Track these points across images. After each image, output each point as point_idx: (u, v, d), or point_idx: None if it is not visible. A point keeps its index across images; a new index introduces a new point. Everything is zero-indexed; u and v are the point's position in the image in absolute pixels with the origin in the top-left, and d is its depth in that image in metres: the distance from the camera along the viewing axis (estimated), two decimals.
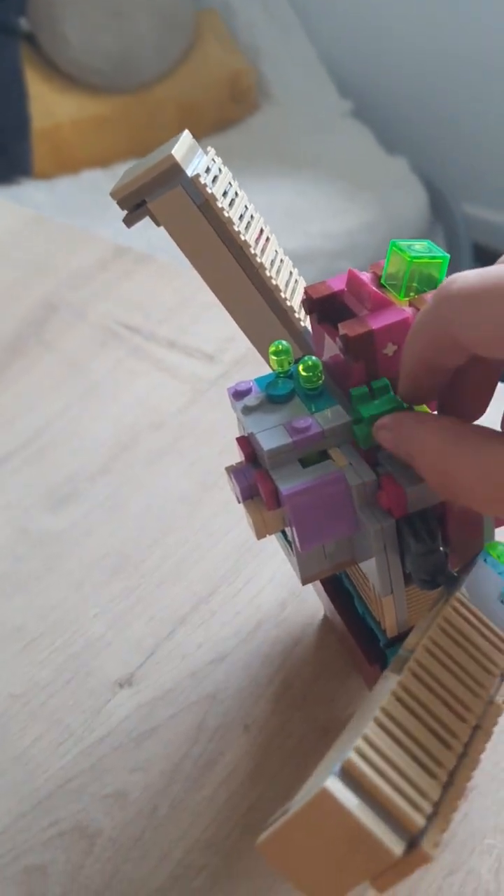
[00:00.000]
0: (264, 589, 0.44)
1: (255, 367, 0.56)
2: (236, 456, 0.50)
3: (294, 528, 0.30)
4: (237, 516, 0.47)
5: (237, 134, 1.90)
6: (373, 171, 1.74)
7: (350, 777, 0.23)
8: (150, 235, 0.45)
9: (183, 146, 0.35)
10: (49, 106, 1.80)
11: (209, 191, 0.34)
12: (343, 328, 0.30)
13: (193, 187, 0.34)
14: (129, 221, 0.36)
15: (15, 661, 0.42)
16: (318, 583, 0.39)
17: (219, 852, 0.35)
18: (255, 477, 0.31)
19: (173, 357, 0.57)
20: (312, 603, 0.43)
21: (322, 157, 1.73)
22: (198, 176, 0.34)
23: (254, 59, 1.88)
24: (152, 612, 0.44)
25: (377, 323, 0.30)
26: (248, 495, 0.32)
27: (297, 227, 1.61)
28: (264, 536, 0.32)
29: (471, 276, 0.28)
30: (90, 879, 0.35)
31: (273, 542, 0.46)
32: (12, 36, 1.76)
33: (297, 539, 0.30)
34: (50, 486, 0.50)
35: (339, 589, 0.36)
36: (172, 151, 0.34)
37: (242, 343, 0.57)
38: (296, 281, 0.38)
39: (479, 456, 0.27)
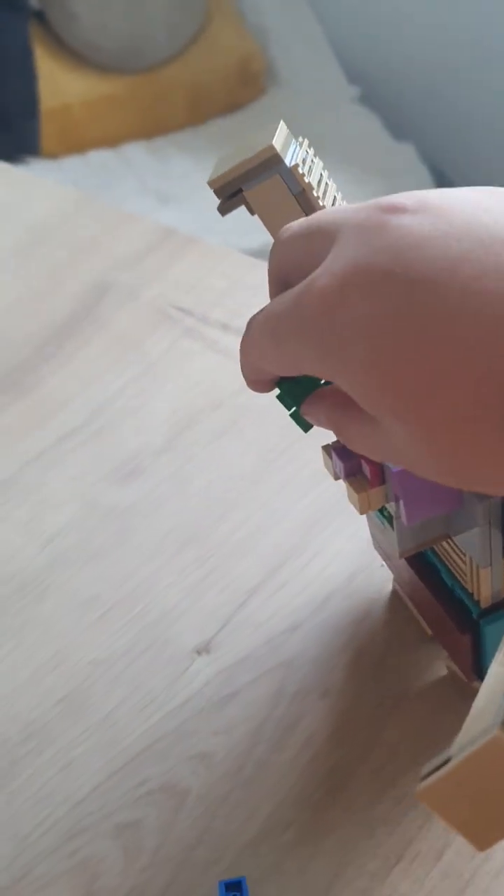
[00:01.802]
0: (332, 563, 0.46)
1: None
2: (295, 436, 0.52)
3: (402, 503, 0.31)
4: (300, 493, 0.49)
5: (245, 117, 1.90)
6: (380, 157, 1.75)
7: None
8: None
9: (280, 136, 0.37)
10: (58, 85, 1.80)
11: (306, 180, 0.36)
12: None
13: (291, 176, 0.36)
14: (224, 210, 0.38)
15: (93, 629, 0.44)
16: (391, 559, 0.41)
17: (305, 809, 0.37)
18: (358, 457, 0.33)
19: (227, 339, 0.58)
20: (380, 577, 0.45)
21: (329, 143, 1.74)
22: (296, 166, 0.36)
23: (263, 43, 1.88)
24: (224, 582, 0.45)
25: None
26: (352, 472, 0.33)
27: None
28: (367, 512, 0.34)
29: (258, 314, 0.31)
30: (182, 835, 0.37)
31: (338, 518, 0.48)
32: (21, 13, 1.75)
33: (404, 513, 0.32)
34: (115, 462, 0.52)
35: (423, 563, 0.38)
36: (273, 142, 0.36)
37: None
38: None
39: (363, 433, 0.29)
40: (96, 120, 1.81)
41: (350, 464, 0.33)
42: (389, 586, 0.44)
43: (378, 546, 0.43)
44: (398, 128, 1.79)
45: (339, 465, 0.33)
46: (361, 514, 0.34)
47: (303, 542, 0.47)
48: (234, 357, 0.57)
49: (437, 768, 0.24)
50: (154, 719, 0.40)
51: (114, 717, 0.41)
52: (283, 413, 0.55)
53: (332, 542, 0.47)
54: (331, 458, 0.34)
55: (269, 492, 0.49)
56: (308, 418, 0.34)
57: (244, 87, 1.90)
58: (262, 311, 0.31)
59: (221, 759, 0.39)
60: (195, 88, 1.87)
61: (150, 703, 0.41)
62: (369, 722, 0.40)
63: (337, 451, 0.34)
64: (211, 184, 0.37)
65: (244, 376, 0.34)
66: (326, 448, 0.35)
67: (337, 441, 0.35)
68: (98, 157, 1.77)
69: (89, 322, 0.61)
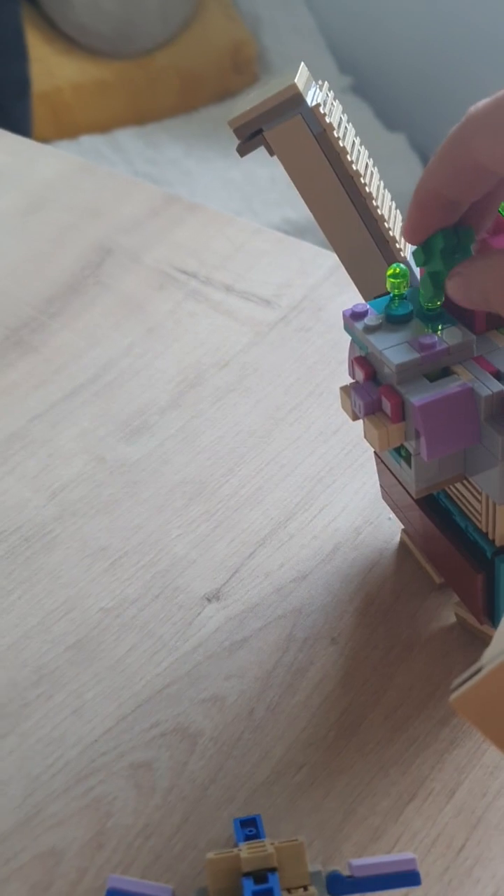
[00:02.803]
0: (339, 516, 0.46)
1: (313, 313, 0.58)
2: (301, 395, 0.53)
3: (423, 438, 0.32)
4: (308, 450, 0.49)
5: (238, 104, 1.90)
6: (372, 146, 1.74)
7: None
8: None
9: (302, 77, 0.37)
10: (49, 68, 1.79)
11: (328, 120, 0.36)
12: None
13: (313, 117, 0.36)
14: (243, 151, 0.38)
15: (103, 578, 0.44)
16: (400, 507, 0.42)
17: (317, 751, 0.37)
18: (379, 392, 0.33)
19: (231, 301, 0.58)
20: (387, 530, 0.45)
21: None
22: (318, 105, 0.36)
23: (255, 31, 1.88)
24: (232, 534, 0.45)
25: (499, 244, 0.32)
26: (371, 410, 0.33)
27: (298, 198, 1.62)
28: (386, 448, 0.34)
29: (487, 100, 0.31)
30: (195, 775, 0.37)
31: (345, 474, 0.48)
32: None
33: (425, 448, 0.32)
34: (122, 418, 0.51)
35: (434, 506, 0.38)
36: (295, 80, 0.36)
37: (299, 289, 0.59)
38: (397, 213, 0.40)
39: None
40: (87, 104, 1.81)
41: (370, 401, 0.33)
42: (397, 538, 0.45)
43: (387, 497, 0.43)
44: (390, 118, 1.79)
45: (359, 402, 0.33)
46: (380, 450, 0.34)
47: (310, 497, 0.47)
48: (238, 318, 0.58)
49: (469, 678, 0.24)
50: (165, 664, 0.40)
51: (125, 662, 0.41)
52: (290, 371, 0.55)
53: (339, 497, 0.47)
54: (350, 397, 0.34)
55: (276, 448, 0.50)
56: (458, 278, 0.32)
57: (236, 74, 1.90)
58: None
59: (233, 703, 0.39)
60: (187, 74, 1.86)
61: (161, 649, 0.41)
62: (379, 667, 0.40)
63: (357, 390, 0.34)
64: (231, 123, 0.37)
65: (419, 190, 0.33)
66: (345, 388, 0.35)
67: (355, 381, 0.35)
68: (90, 142, 1.76)
69: (93, 283, 0.60)
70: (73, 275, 0.61)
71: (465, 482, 0.36)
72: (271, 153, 0.37)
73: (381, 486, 0.43)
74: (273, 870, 0.29)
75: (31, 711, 0.39)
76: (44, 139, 1.83)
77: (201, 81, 1.87)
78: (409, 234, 0.33)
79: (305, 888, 0.29)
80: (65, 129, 1.78)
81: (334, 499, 0.47)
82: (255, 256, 0.62)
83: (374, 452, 0.41)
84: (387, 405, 0.33)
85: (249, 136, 0.37)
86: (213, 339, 0.56)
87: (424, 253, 0.33)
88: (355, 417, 0.35)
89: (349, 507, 0.46)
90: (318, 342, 0.55)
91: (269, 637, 0.41)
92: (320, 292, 0.58)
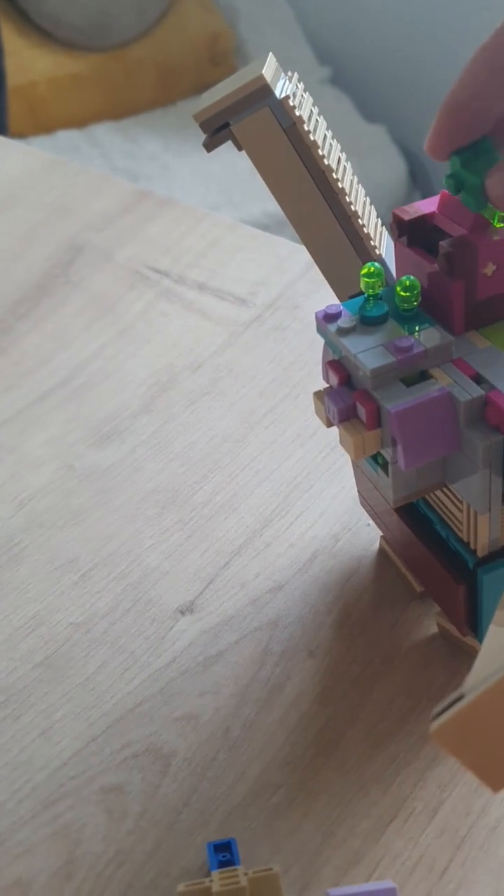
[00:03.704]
0: (316, 523, 0.44)
1: (289, 311, 0.56)
2: (277, 398, 0.51)
3: (401, 446, 0.30)
4: (283, 455, 0.48)
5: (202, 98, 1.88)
6: (352, 138, 1.74)
7: None
8: None
9: (270, 67, 0.35)
10: (24, 62, 1.77)
11: (297, 113, 0.34)
12: (446, 246, 0.31)
13: (282, 109, 0.34)
14: (209, 146, 0.36)
15: (72, 591, 0.42)
16: (380, 514, 0.40)
17: (295, 770, 0.36)
18: (353, 398, 0.32)
19: (205, 300, 0.57)
20: (365, 536, 0.44)
21: None
22: (287, 98, 0.34)
23: (232, 22, 1.86)
24: (206, 544, 0.44)
25: (480, 242, 0.31)
26: (346, 417, 0.32)
27: None
28: (362, 457, 0.32)
29: None
30: (168, 798, 0.35)
31: (322, 479, 0.46)
32: None
33: (402, 456, 0.30)
34: (92, 423, 0.50)
35: (414, 515, 0.37)
36: (262, 72, 0.34)
37: (274, 286, 0.58)
38: (371, 209, 0.38)
39: None
40: (63, 98, 1.78)
41: (344, 407, 0.32)
42: (376, 545, 0.43)
43: (365, 503, 0.42)
44: (369, 109, 1.78)
45: (333, 409, 0.32)
46: (356, 458, 0.33)
47: (286, 503, 0.46)
48: (212, 317, 0.56)
49: (449, 706, 0.23)
50: (137, 681, 0.39)
51: (95, 679, 0.39)
52: (265, 373, 0.54)
53: (316, 503, 0.45)
54: (323, 403, 0.33)
55: (251, 453, 0.48)
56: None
57: (214, 66, 1.87)
58: None
59: (207, 721, 0.37)
60: (164, 67, 1.84)
61: (132, 665, 0.39)
62: (359, 681, 0.38)
63: (330, 395, 0.32)
64: (196, 117, 0.35)
65: (447, 102, 0.31)
66: (318, 393, 0.34)
67: (329, 386, 0.34)
68: (66, 137, 1.74)
69: (63, 283, 0.59)
70: (42, 274, 0.60)
71: (445, 490, 0.34)
72: (239, 148, 0.36)
73: (358, 491, 0.42)
74: None
75: None
76: (19, 135, 1.81)
77: (178, 74, 1.85)
78: (433, 149, 0.31)
79: None
80: (40, 124, 1.76)
81: (311, 505, 0.45)
82: (230, 253, 0.60)
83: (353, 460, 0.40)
84: (362, 411, 0.31)
85: (216, 131, 0.35)
86: (186, 340, 0.54)
87: (455, 179, 0.31)
88: (329, 424, 0.33)
89: (327, 513, 0.45)
90: (294, 342, 0.54)
91: (244, 651, 0.40)
92: (296, 289, 0.57)
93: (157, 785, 0.36)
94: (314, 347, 0.53)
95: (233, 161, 1.75)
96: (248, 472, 0.47)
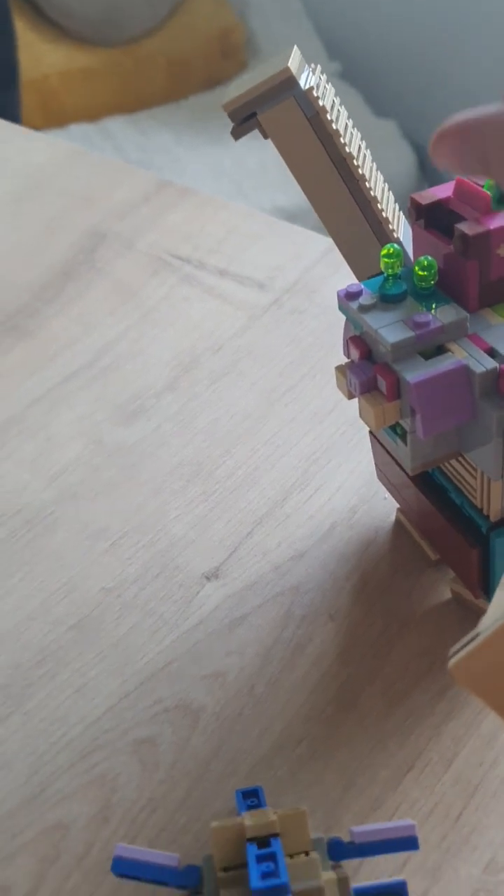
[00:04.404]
0: (334, 496, 0.46)
1: (306, 295, 0.58)
2: (296, 377, 0.53)
3: (419, 415, 0.32)
4: (302, 431, 0.50)
5: (230, 89, 1.90)
6: (362, 132, 1.75)
7: None
8: None
9: (295, 60, 0.37)
10: (37, 55, 1.78)
11: (321, 103, 0.36)
12: (461, 228, 0.33)
13: (306, 99, 0.36)
14: (237, 134, 0.38)
15: (103, 558, 0.44)
16: (395, 485, 0.42)
17: (317, 724, 0.38)
18: (374, 371, 0.34)
19: (225, 285, 0.59)
20: (382, 509, 0.46)
21: None
22: (311, 88, 0.36)
23: (243, 16, 1.87)
24: (230, 514, 0.46)
25: (493, 224, 0.33)
26: (366, 389, 0.34)
27: (288, 185, 1.62)
28: (382, 427, 0.34)
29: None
30: (198, 750, 0.38)
31: (340, 454, 0.48)
32: None
33: (420, 425, 0.32)
34: (118, 402, 0.52)
35: (430, 485, 0.39)
36: (288, 64, 0.36)
37: (292, 272, 0.60)
38: (389, 194, 0.40)
39: None
40: (75, 92, 1.80)
41: (365, 380, 0.34)
42: (392, 517, 0.45)
43: (383, 477, 0.44)
44: (379, 104, 1.79)
45: (355, 381, 0.34)
46: (377, 428, 0.35)
47: (305, 477, 0.48)
48: (232, 301, 0.58)
49: (467, 644, 0.25)
50: (167, 642, 0.41)
51: (126, 640, 0.41)
52: (285, 354, 0.56)
53: (334, 477, 0.47)
54: (345, 376, 0.35)
55: (271, 430, 0.50)
56: (450, 139, 0.28)
57: (224, 60, 1.89)
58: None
59: (234, 679, 0.40)
60: (175, 61, 1.86)
61: (162, 627, 0.41)
62: (377, 643, 0.40)
63: (352, 369, 0.34)
64: (225, 107, 0.37)
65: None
66: (340, 367, 0.36)
67: (350, 361, 0.36)
68: (79, 130, 1.76)
69: (87, 269, 0.61)
70: (66, 261, 0.62)
71: (460, 459, 0.36)
72: (265, 136, 0.38)
73: (376, 465, 0.44)
74: (276, 835, 0.29)
75: (34, 691, 0.40)
76: (32, 128, 1.82)
77: (190, 68, 1.87)
78: (438, 163, 0.28)
79: (307, 854, 0.30)
80: (53, 117, 1.78)
81: (330, 478, 0.47)
82: (248, 240, 0.62)
83: (370, 432, 0.42)
84: (382, 383, 0.33)
85: (243, 120, 0.37)
86: (208, 323, 0.56)
87: None
88: (350, 396, 0.35)
89: (345, 486, 0.47)
90: (311, 324, 0.56)
91: (267, 614, 0.42)
92: (313, 274, 0.59)
93: (186, 738, 0.38)
94: (331, 330, 0.55)
95: (243, 154, 1.77)
96: (268, 448, 0.49)
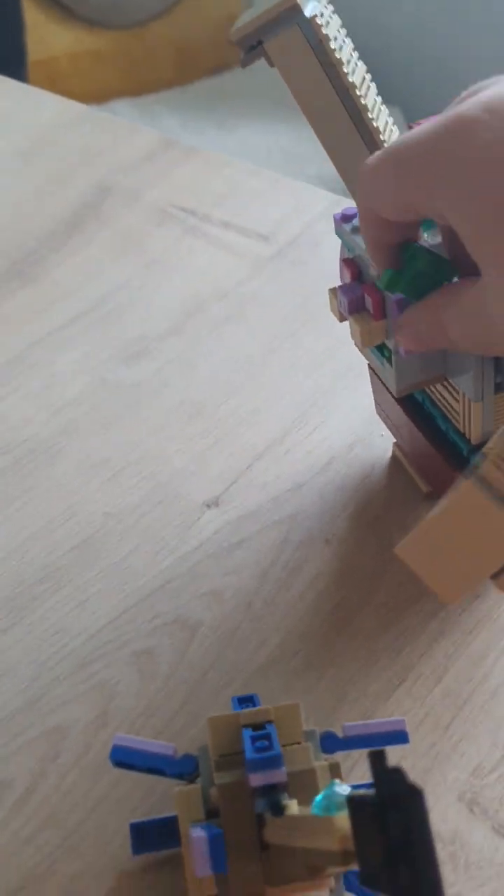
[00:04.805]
0: (332, 434, 0.47)
1: (309, 248, 0.59)
2: (297, 324, 0.54)
3: None
4: (302, 375, 0.51)
5: (234, 77, 1.91)
6: None
7: (485, 482, 0.27)
8: None
9: None
10: (45, 37, 1.79)
11: (324, 32, 0.37)
12: None
13: (310, 27, 0.37)
14: (244, 62, 0.39)
15: (105, 487, 0.45)
16: (393, 420, 0.43)
17: (312, 640, 0.39)
18: (362, 291, 0.35)
19: (229, 236, 0.60)
20: (379, 445, 0.47)
21: None
22: (315, 17, 0.37)
23: (251, 3, 1.88)
24: (230, 450, 0.47)
25: None
26: (355, 309, 0.35)
27: (295, 169, 1.63)
28: (369, 345, 0.36)
29: (377, 153, 0.32)
30: (195, 662, 0.39)
31: (338, 396, 0.49)
32: None
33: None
34: (122, 343, 0.53)
35: (419, 413, 0.40)
36: None
37: (295, 225, 0.60)
38: (393, 128, 0.41)
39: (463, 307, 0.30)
40: (82, 74, 1.81)
41: (354, 298, 0.35)
42: (388, 454, 0.46)
43: (381, 411, 0.45)
44: (384, 91, 1.79)
45: (344, 301, 0.35)
46: (363, 346, 0.36)
47: (304, 417, 0.49)
48: (236, 252, 0.59)
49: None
50: (166, 563, 0.42)
51: (127, 561, 0.42)
52: (286, 302, 0.57)
53: (332, 417, 0.48)
54: (336, 297, 0.36)
55: (272, 373, 0.51)
56: (406, 324, 0.33)
57: (231, 46, 1.90)
58: (379, 152, 0.33)
59: (231, 597, 0.41)
60: (182, 47, 1.87)
61: (162, 549, 0.42)
62: (371, 566, 0.41)
63: (342, 289, 0.35)
64: (232, 35, 0.38)
65: (367, 241, 0.33)
66: (333, 290, 0.37)
67: (342, 283, 0.37)
68: None
69: (93, 220, 0.62)
70: (73, 212, 0.63)
71: (446, 384, 0.37)
72: (271, 64, 0.38)
73: (375, 401, 0.45)
74: (270, 722, 0.30)
75: (37, 605, 0.41)
76: None
77: (196, 54, 1.88)
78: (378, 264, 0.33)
79: (299, 743, 0.31)
80: None
81: (328, 419, 0.48)
82: (253, 195, 0.63)
83: (370, 368, 0.43)
84: (369, 302, 0.34)
85: (250, 48, 0.38)
86: (212, 271, 0.57)
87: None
88: (341, 318, 0.36)
89: (342, 426, 0.48)
90: (313, 275, 0.57)
91: (265, 539, 0.43)
92: (316, 228, 0.60)
93: (184, 650, 0.39)
94: (333, 280, 0.56)
95: (245, 137, 1.78)
96: (268, 390, 0.50)
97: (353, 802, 0.22)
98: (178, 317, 0.55)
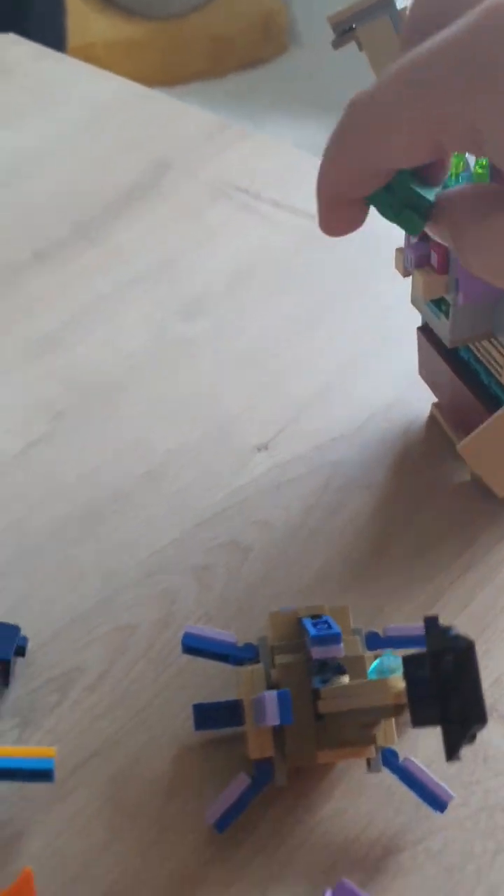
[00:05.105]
0: (372, 393, 0.52)
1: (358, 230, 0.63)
2: (346, 293, 0.58)
3: (460, 285, 0.38)
4: (347, 338, 0.55)
5: (266, 73, 1.96)
6: None
7: None
8: None
9: None
10: (84, 23, 1.84)
11: None
12: None
13: (399, 19, 0.42)
14: (337, 44, 0.44)
15: (166, 426, 0.50)
16: (432, 379, 0.48)
17: (352, 566, 0.44)
18: (429, 247, 0.39)
19: (280, 215, 0.64)
20: (418, 406, 0.51)
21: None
22: (405, 9, 0.42)
23: (287, 1, 1.93)
24: (279, 401, 0.52)
25: None
26: (420, 264, 0.40)
27: None
28: (430, 297, 0.40)
29: (369, 88, 0.26)
30: (248, 578, 0.43)
31: (379, 360, 0.54)
32: None
33: (461, 294, 0.38)
34: (179, 302, 0.58)
35: (463, 368, 0.45)
36: None
37: None
38: None
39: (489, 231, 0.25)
40: (119, 62, 1.85)
41: (420, 255, 0.40)
42: (426, 414, 0.51)
43: (423, 370, 0.49)
44: None
45: (411, 256, 0.40)
46: (426, 298, 0.41)
47: (347, 375, 0.53)
48: (286, 231, 0.64)
49: None
50: (221, 495, 0.47)
51: (187, 491, 0.47)
52: (335, 273, 0.62)
53: (373, 377, 0.53)
54: (403, 254, 0.41)
55: (319, 334, 0.56)
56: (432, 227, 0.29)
57: (266, 42, 1.95)
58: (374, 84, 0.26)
59: (280, 526, 0.45)
60: (218, 40, 1.92)
61: (217, 483, 0.47)
62: (407, 507, 0.46)
63: (409, 246, 0.40)
64: (330, 18, 0.43)
65: (322, 195, 0.29)
66: (400, 248, 0.41)
67: (408, 241, 0.41)
68: None
69: (152, 192, 0.66)
70: (133, 184, 0.67)
71: (492, 342, 0.42)
72: (361, 49, 0.43)
73: (419, 363, 0.49)
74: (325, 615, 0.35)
75: (107, 522, 0.45)
76: None
77: (231, 47, 1.92)
78: (328, 232, 0.30)
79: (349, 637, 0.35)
80: None
81: (369, 379, 0.53)
82: (303, 177, 0.67)
83: (418, 332, 0.47)
84: (434, 257, 0.39)
85: (342, 32, 0.43)
86: (264, 244, 0.62)
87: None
88: (406, 273, 0.41)
89: (383, 387, 0.52)
90: (362, 250, 0.61)
91: (310, 482, 0.47)
92: None
93: (238, 568, 0.43)
94: (381, 257, 0.60)
95: (275, 131, 1.82)
96: (315, 349, 0.55)
97: (408, 657, 0.27)
98: (231, 282, 0.59)
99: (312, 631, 0.33)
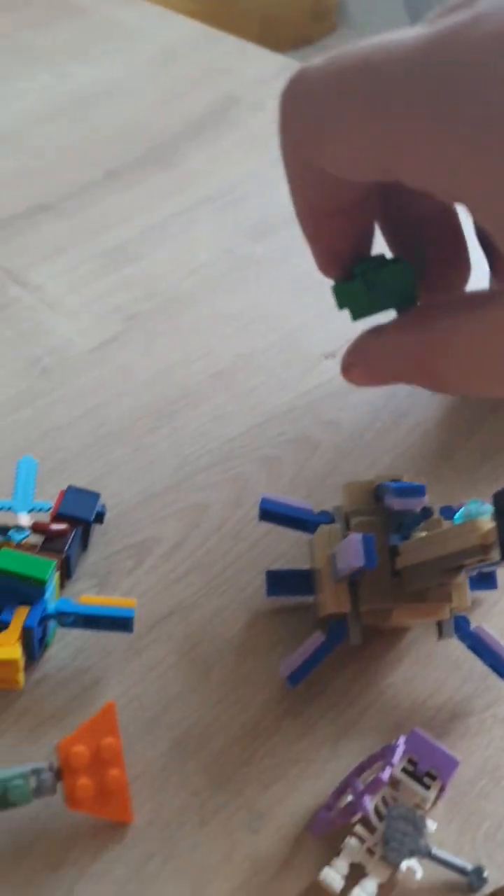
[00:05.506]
0: None
1: None
2: None
3: None
4: None
5: (316, 53, 1.97)
6: None
7: None
8: None
9: None
10: None
11: None
12: None
13: None
14: None
15: (235, 333, 0.51)
16: None
17: (418, 465, 0.45)
18: None
19: None
20: None
21: None
22: None
23: None
24: (346, 314, 0.53)
25: None
26: None
27: None
28: None
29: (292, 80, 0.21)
30: (315, 470, 0.44)
31: None
32: None
33: None
34: (247, 224, 0.59)
35: None
36: None
37: None
38: None
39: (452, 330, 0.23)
40: None
41: None
42: None
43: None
44: None
45: None
46: None
47: None
48: None
49: None
50: (290, 395, 0.48)
51: (257, 391, 0.48)
52: None
53: None
54: None
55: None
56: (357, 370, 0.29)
57: (315, 22, 1.96)
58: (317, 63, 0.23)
59: (346, 426, 0.46)
60: (269, 19, 1.93)
61: (286, 385, 0.48)
62: (473, 415, 0.47)
63: None
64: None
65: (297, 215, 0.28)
66: None
67: None
68: None
69: (222, 122, 0.68)
70: (202, 115, 0.69)
71: None
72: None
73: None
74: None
75: (180, 415, 0.47)
76: None
77: (282, 26, 1.94)
78: (324, 269, 0.28)
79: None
80: None
81: None
82: None
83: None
84: None
85: None
86: None
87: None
88: None
89: None
90: None
91: (376, 389, 0.49)
92: None
93: (306, 460, 0.45)
94: None
95: None
96: None
97: (499, 492, 0.28)
98: None
99: (395, 486, 0.34)
